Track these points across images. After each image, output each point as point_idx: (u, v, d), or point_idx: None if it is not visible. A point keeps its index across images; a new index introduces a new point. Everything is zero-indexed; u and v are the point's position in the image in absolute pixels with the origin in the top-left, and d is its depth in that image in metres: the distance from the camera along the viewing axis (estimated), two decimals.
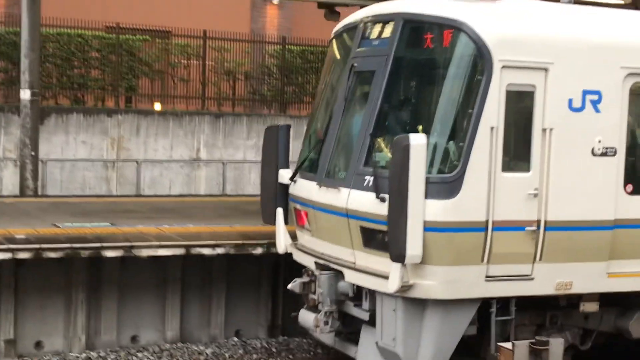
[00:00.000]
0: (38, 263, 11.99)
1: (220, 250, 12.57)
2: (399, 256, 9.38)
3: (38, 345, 12.45)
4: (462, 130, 9.58)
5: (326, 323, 10.67)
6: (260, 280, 13.66)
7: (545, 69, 9.76)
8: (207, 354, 12.59)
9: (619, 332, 11.03)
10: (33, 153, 17.68)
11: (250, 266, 13.40)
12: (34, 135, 17.74)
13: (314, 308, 10.83)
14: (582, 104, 9.97)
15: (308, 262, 11.27)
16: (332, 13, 16.90)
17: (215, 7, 25.45)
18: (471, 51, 9.60)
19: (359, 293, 10.57)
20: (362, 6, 15.18)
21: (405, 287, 9.58)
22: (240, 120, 21.94)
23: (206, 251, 12.50)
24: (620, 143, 10.19)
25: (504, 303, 10.04)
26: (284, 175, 11.71)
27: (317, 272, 10.73)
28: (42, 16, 18.59)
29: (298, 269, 13.02)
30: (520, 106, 9.78)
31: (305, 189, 11.23)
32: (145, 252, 12.20)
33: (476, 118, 9.49)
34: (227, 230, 13.51)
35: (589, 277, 10.23)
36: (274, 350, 12.97)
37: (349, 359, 11.12)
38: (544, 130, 9.82)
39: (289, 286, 11.13)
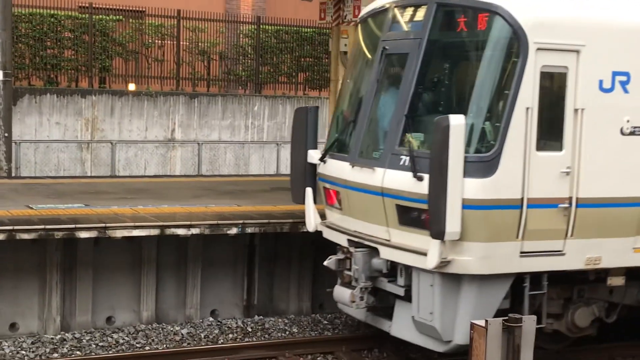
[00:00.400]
0: (11, 245, 11.86)
1: (195, 231, 12.54)
2: (438, 233, 9.69)
3: (12, 327, 12.35)
4: (498, 111, 9.87)
5: (361, 298, 10.97)
6: (235, 260, 13.67)
7: (577, 51, 10.06)
8: (182, 334, 12.62)
9: (634, 306, 11.40)
10: (6, 134, 17.56)
11: (225, 246, 13.48)
12: (7, 116, 17.61)
13: (349, 284, 11.13)
14: (612, 84, 10.29)
15: (340, 239, 11.56)
16: None
17: None
18: (507, 34, 9.89)
19: (392, 269, 10.89)
20: None
21: (443, 263, 9.89)
22: (215, 101, 21.96)
23: (181, 231, 12.46)
24: None
25: (535, 278, 10.38)
26: (313, 155, 11.97)
27: (352, 249, 11.01)
28: None
29: (272, 249, 13.63)
30: (553, 87, 10.09)
31: (336, 168, 11.50)
32: (119, 233, 12.12)
33: (512, 99, 9.79)
34: (202, 211, 13.51)
35: (616, 252, 10.58)
36: (249, 330, 13.01)
37: (331, 338, 11.82)
38: (575, 110, 10.14)
39: (325, 263, 11.42)
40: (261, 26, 24.22)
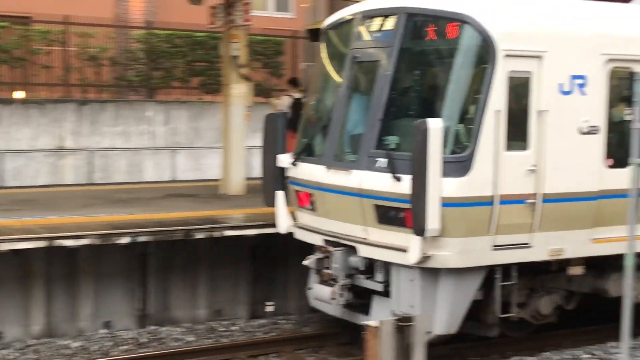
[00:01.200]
0: None
1: (84, 241, 12.33)
2: (420, 230, 10.31)
3: None
4: (471, 114, 10.56)
5: (341, 295, 11.52)
6: (129, 269, 13.46)
7: (540, 57, 10.82)
8: (72, 348, 12.37)
9: (597, 292, 12.25)
10: None
11: (118, 256, 13.23)
12: None
13: (328, 282, 11.66)
14: (571, 87, 11.09)
15: (315, 239, 12.09)
16: None
17: None
18: (478, 42, 10.59)
19: (369, 267, 11.47)
20: None
21: (424, 258, 10.52)
22: (107, 107, 21.25)
23: (69, 242, 12.23)
24: (602, 122, 11.37)
25: (505, 269, 11.10)
26: (284, 160, 12.48)
27: (331, 249, 11.55)
28: None
29: (166, 258, 13.52)
30: (519, 91, 10.81)
31: (309, 172, 12.04)
32: (5, 246, 11.90)
33: (484, 103, 10.49)
34: (92, 220, 13.39)
35: (577, 244, 11.39)
36: (144, 340, 12.84)
37: (228, 345, 12.15)
38: (539, 112, 10.89)
39: (305, 262, 11.92)
40: (153, 31, 23.52)
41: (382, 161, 10.91)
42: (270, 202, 12.70)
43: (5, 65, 21.65)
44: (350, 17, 12.08)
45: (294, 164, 12.33)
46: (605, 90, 11.38)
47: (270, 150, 12.63)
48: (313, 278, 12.20)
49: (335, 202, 11.67)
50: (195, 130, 21.81)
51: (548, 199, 11.01)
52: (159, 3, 25.93)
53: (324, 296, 11.64)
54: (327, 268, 11.65)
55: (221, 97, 17.66)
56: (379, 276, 11.35)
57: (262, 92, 23.59)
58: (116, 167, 20.88)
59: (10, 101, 20.95)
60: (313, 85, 13.32)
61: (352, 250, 11.52)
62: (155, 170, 21.27)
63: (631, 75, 11.25)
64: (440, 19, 10.90)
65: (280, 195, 12.61)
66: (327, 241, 11.80)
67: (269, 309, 14.27)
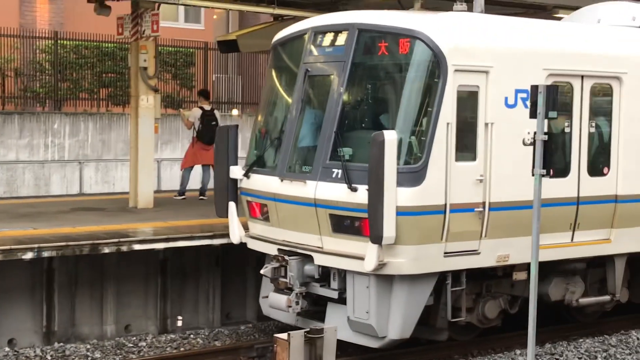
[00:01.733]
0: None
1: None
2: (377, 237, 10.69)
3: None
4: (423, 126, 11.00)
5: (297, 303, 11.81)
6: (33, 285, 13.12)
7: (487, 72, 11.35)
8: None
9: (539, 297, 12.76)
10: None
11: (21, 272, 12.94)
12: None
13: (283, 290, 11.94)
14: (515, 101, 11.64)
15: (268, 249, 12.37)
16: (103, 7, 16.67)
17: None
18: (429, 57, 11.05)
19: (324, 274, 11.80)
20: (132, 0, 16.39)
21: (380, 266, 10.90)
22: (12, 119, 20.63)
23: None
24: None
25: (455, 275, 11.56)
26: (236, 171, 12.74)
27: (287, 258, 11.84)
28: None
29: (72, 273, 13.24)
30: (467, 104, 11.31)
31: (262, 183, 12.32)
32: None
33: (435, 115, 10.95)
34: None
35: (522, 250, 11.89)
36: (49, 358, 12.53)
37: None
38: (486, 124, 11.41)
39: (262, 271, 12.18)
40: (60, 41, 22.91)
41: (337, 172, 11.26)
42: (223, 213, 12.93)
43: None
44: (301, 32, 12.42)
45: (246, 175, 12.59)
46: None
47: (222, 162, 12.86)
48: (267, 286, 12.46)
49: (289, 212, 11.97)
50: (104, 143, 21.53)
51: (495, 207, 11.51)
52: (66, 13, 25.46)
53: (280, 304, 11.91)
54: (283, 276, 11.92)
55: (130, 109, 17.45)
56: (334, 284, 11.69)
57: (173, 103, 23.72)
58: (22, 180, 20.39)
59: None
60: (262, 98, 13.60)
61: (307, 258, 11.83)
62: (62, 184, 20.88)
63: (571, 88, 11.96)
64: (392, 35, 11.32)
65: (232, 206, 12.84)
66: (281, 250, 12.08)
67: (179, 323, 14.13)
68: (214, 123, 17.73)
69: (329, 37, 11.95)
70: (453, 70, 11.04)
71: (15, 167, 20.49)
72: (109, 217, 15.46)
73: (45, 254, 12.55)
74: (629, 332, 13.50)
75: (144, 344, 13.30)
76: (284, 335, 9.85)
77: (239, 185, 12.83)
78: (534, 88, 10.15)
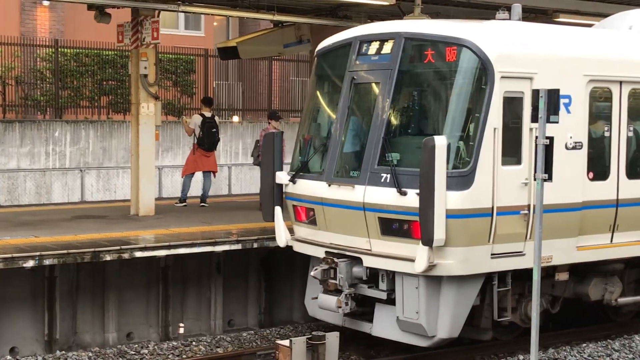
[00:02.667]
0: None
1: None
2: (428, 240, 11.02)
3: None
4: (471, 132, 11.35)
5: (346, 304, 12.13)
6: (35, 293, 13.14)
7: (531, 78, 11.67)
8: None
9: (578, 296, 13.13)
10: None
11: (23, 280, 12.98)
12: None
13: (333, 292, 12.26)
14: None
15: (315, 252, 12.70)
16: (103, 15, 16.69)
17: None
18: (476, 65, 11.38)
19: (372, 276, 12.13)
20: (133, 8, 16.29)
21: (430, 267, 11.23)
22: (13, 127, 20.62)
23: None
24: (584, 138, 12.28)
25: (501, 276, 11.88)
26: (282, 177, 13.07)
27: (336, 260, 12.16)
28: None
29: (74, 280, 13.22)
30: (513, 110, 11.64)
31: (309, 188, 12.65)
32: None
33: (483, 121, 11.29)
34: None
35: (563, 251, 12.25)
36: None
37: None
38: (530, 129, 11.72)
39: (312, 273, 12.50)
40: (60, 49, 22.89)
41: (385, 176, 11.59)
42: (269, 217, 13.25)
43: None
44: (346, 41, 12.76)
45: (292, 180, 12.92)
46: (587, 108, 12.29)
47: (268, 167, 13.19)
48: (315, 288, 12.77)
49: (337, 216, 12.29)
50: (105, 150, 21.57)
51: None
52: (66, 21, 25.46)
53: (330, 305, 12.22)
54: (333, 278, 12.24)
55: (131, 116, 17.50)
56: (383, 285, 12.01)
57: (174, 110, 23.78)
58: (23, 188, 20.40)
59: None
60: (305, 106, 13.93)
61: (355, 261, 12.15)
62: (63, 192, 20.89)
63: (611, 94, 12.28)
64: (439, 43, 11.66)
65: (278, 210, 13.17)
66: (329, 253, 12.40)
67: (181, 330, 14.17)
68: (214, 130, 17.92)
69: (375, 45, 12.29)
70: (500, 77, 11.37)
71: (17, 175, 20.51)
72: (111, 224, 15.51)
73: (47, 262, 12.58)
74: (632, 337, 13.63)
75: (145, 351, 13.32)
76: (286, 342, 10.08)
77: (284, 190, 13.16)
78: (535, 92, 10.41)
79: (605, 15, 16.07)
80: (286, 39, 18.81)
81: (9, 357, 12.78)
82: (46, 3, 24.77)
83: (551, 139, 10.42)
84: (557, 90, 10.46)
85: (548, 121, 10.39)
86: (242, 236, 14.33)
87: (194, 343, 13.77)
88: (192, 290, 14.44)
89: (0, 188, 20.21)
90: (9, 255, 12.32)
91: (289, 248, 13.30)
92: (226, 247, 13.90)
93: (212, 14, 20.17)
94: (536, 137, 10.55)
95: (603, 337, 13.64)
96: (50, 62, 22.95)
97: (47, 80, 22.92)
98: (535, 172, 10.58)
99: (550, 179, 10.55)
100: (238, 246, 14.12)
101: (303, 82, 27.99)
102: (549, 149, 10.41)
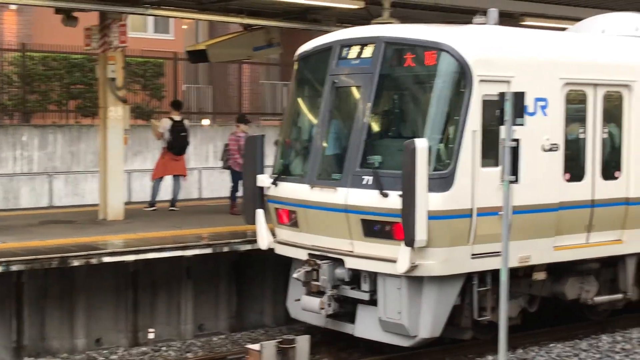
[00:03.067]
0: None
1: None
2: (410, 241, 11.21)
3: None
4: (451, 134, 11.56)
5: (329, 305, 12.29)
6: (2, 300, 12.96)
7: (509, 82, 11.90)
8: None
9: (555, 295, 13.39)
10: None
11: None
12: None
13: (316, 293, 12.41)
14: (534, 109, 12.21)
15: (297, 254, 12.85)
16: (70, 19, 16.34)
17: None
18: (455, 68, 11.60)
19: (354, 277, 12.30)
20: (100, 11, 16.29)
21: (412, 268, 11.42)
22: None
23: None
24: (561, 140, 12.53)
25: (481, 276, 12.10)
26: (263, 179, 13.21)
27: (319, 262, 12.32)
28: None
29: (42, 286, 13.07)
30: (491, 112, 11.84)
31: (291, 190, 12.81)
32: None
33: (462, 123, 11.51)
34: None
35: (541, 251, 12.49)
36: None
37: None
38: None
39: (294, 275, 12.64)
40: (27, 53, 22.63)
41: (367, 179, 11.77)
42: (251, 220, 13.39)
43: None
44: (327, 45, 12.94)
45: (274, 183, 13.06)
46: (563, 110, 12.55)
47: (249, 171, 13.33)
48: (297, 290, 12.92)
49: (319, 218, 12.45)
50: (73, 155, 21.34)
51: (517, 210, 12.04)
52: (34, 25, 25.21)
53: (313, 306, 12.37)
54: (315, 280, 12.40)
55: (99, 120, 17.44)
56: (365, 286, 12.18)
57: (143, 114, 23.57)
58: None
59: None
60: (287, 110, 14.08)
61: (337, 262, 12.32)
62: (31, 197, 20.56)
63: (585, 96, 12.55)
64: (419, 47, 11.87)
65: (260, 213, 13.30)
66: (312, 255, 12.56)
67: (151, 336, 14.03)
68: (183, 134, 17.90)
69: (355, 49, 12.47)
70: (478, 81, 11.60)
71: None
72: (79, 229, 15.40)
73: (14, 268, 12.47)
74: (599, 336, 13.80)
75: (115, 357, 13.27)
76: (256, 346, 10.10)
77: (266, 193, 13.30)
78: (501, 95, 10.62)
79: (571, 19, 16.38)
80: (256, 42, 18.76)
81: None
82: (13, 7, 24.48)
83: (517, 141, 10.60)
84: (523, 93, 10.67)
85: (514, 124, 10.61)
86: (212, 240, 14.33)
87: (163, 348, 13.73)
88: (162, 295, 14.33)
89: None
90: None
91: (259, 251, 13.41)
92: (196, 251, 13.87)
93: (180, 17, 20.08)
94: (503, 140, 10.74)
95: (571, 337, 13.80)
96: (17, 66, 22.70)
97: (14, 84, 22.66)
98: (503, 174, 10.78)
99: (516, 180, 10.74)
100: (208, 250, 14.09)
101: (273, 85, 28.04)
102: (515, 151, 10.62)
